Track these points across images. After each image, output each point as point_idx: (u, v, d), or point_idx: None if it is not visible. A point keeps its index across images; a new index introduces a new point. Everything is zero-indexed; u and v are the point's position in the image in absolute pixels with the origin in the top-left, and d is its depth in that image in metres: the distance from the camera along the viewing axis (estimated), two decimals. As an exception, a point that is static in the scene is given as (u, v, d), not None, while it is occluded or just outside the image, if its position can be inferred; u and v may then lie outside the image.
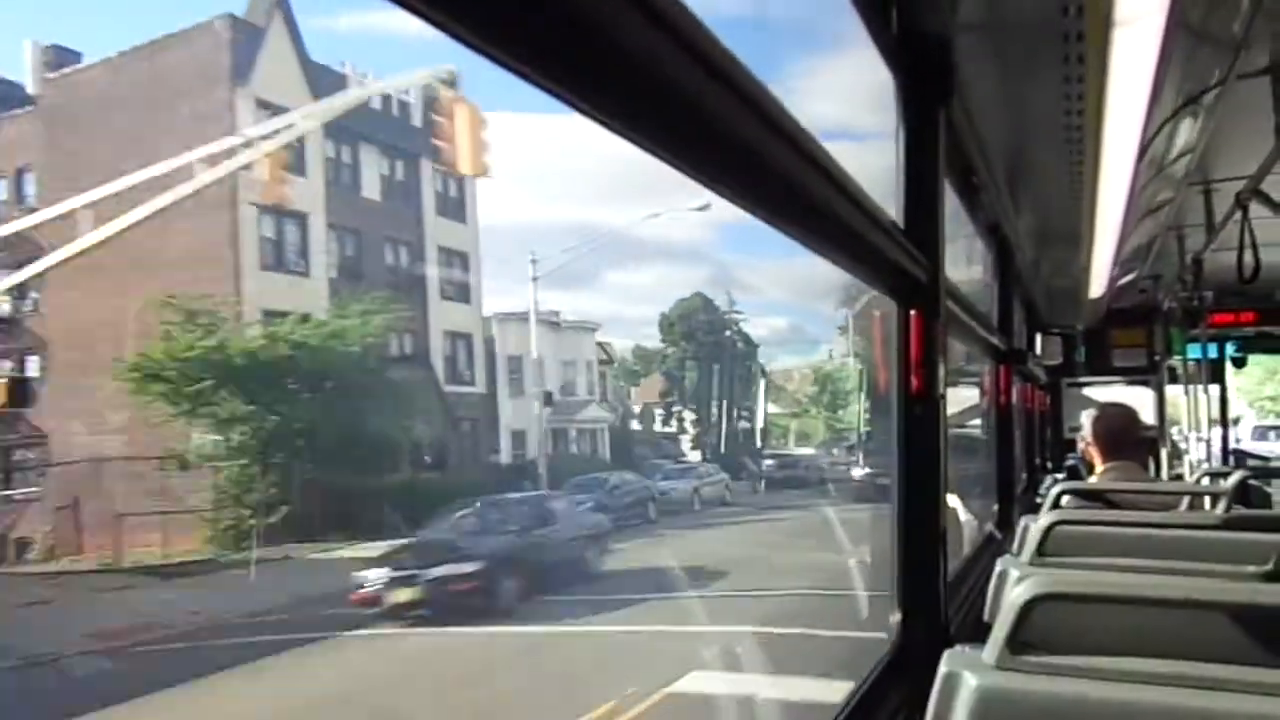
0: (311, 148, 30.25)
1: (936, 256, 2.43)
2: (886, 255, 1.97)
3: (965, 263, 4.87)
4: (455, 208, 38.07)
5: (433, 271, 36.47)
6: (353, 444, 26.85)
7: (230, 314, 26.59)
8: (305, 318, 27.71)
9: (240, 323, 26.92)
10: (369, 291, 29.85)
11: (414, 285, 35.40)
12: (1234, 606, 1.48)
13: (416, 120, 34.64)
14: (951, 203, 3.13)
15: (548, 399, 35.38)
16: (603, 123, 0.96)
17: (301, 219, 31.30)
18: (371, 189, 34.78)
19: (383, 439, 28.21)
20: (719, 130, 1.12)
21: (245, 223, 29.20)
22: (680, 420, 52.31)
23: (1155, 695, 1.31)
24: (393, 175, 35.82)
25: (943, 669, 1.42)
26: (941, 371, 2.50)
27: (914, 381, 2.44)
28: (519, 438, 38.34)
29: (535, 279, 34.40)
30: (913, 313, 2.40)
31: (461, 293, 38.19)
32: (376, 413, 27.80)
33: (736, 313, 52.31)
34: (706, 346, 50.57)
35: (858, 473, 35.69)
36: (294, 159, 29.34)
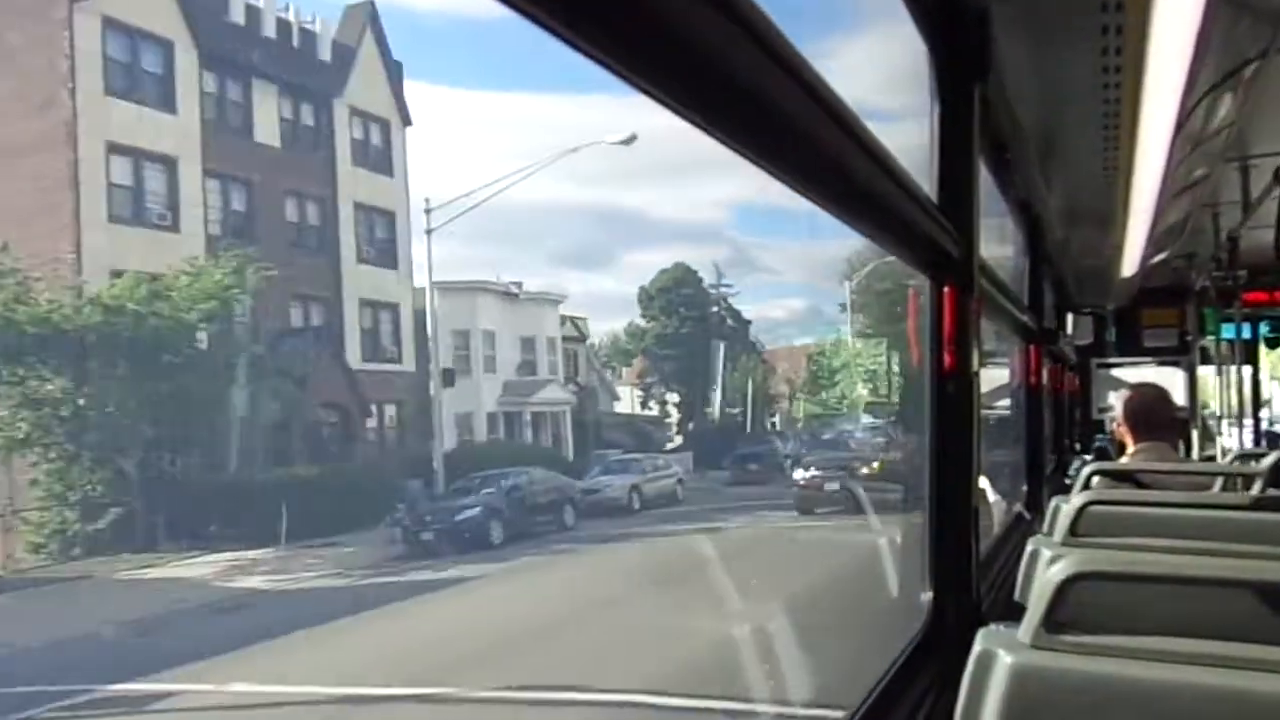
0: (183, 79, 26.09)
1: (971, 232, 2.41)
2: (922, 231, 1.95)
3: (996, 241, 4.83)
4: (379, 158, 32.73)
5: (347, 231, 31.27)
6: (210, 432, 23.45)
7: (55, 273, 21.92)
8: (154, 278, 23.03)
9: (78, 284, 22.42)
10: (254, 251, 25.13)
11: (322, 246, 30.60)
12: (1270, 586, 1.47)
13: (325, 54, 30.67)
14: (983, 180, 3.10)
15: (448, 379, 30.60)
16: (653, 95, 0.95)
17: (169, 164, 26.09)
18: (268, 133, 29.29)
19: (249, 427, 24.25)
20: (764, 105, 1.11)
21: (89, 165, 23.89)
22: (664, 404, 48.83)
23: (1191, 675, 1.30)
24: (297, 118, 30.40)
25: (977, 647, 1.42)
26: (975, 349, 2.48)
27: (947, 358, 2.42)
28: (465, 422, 33.61)
29: (429, 232, 29.41)
30: (946, 289, 2.38)
31: (386, 256, 32.82)
32: (245, 395, 23.98)
33: (725, 286, 49.27)
34: (691, 323, 47.34)
35: (800, 474, 28.99)
36: (159, 92, 25.69)
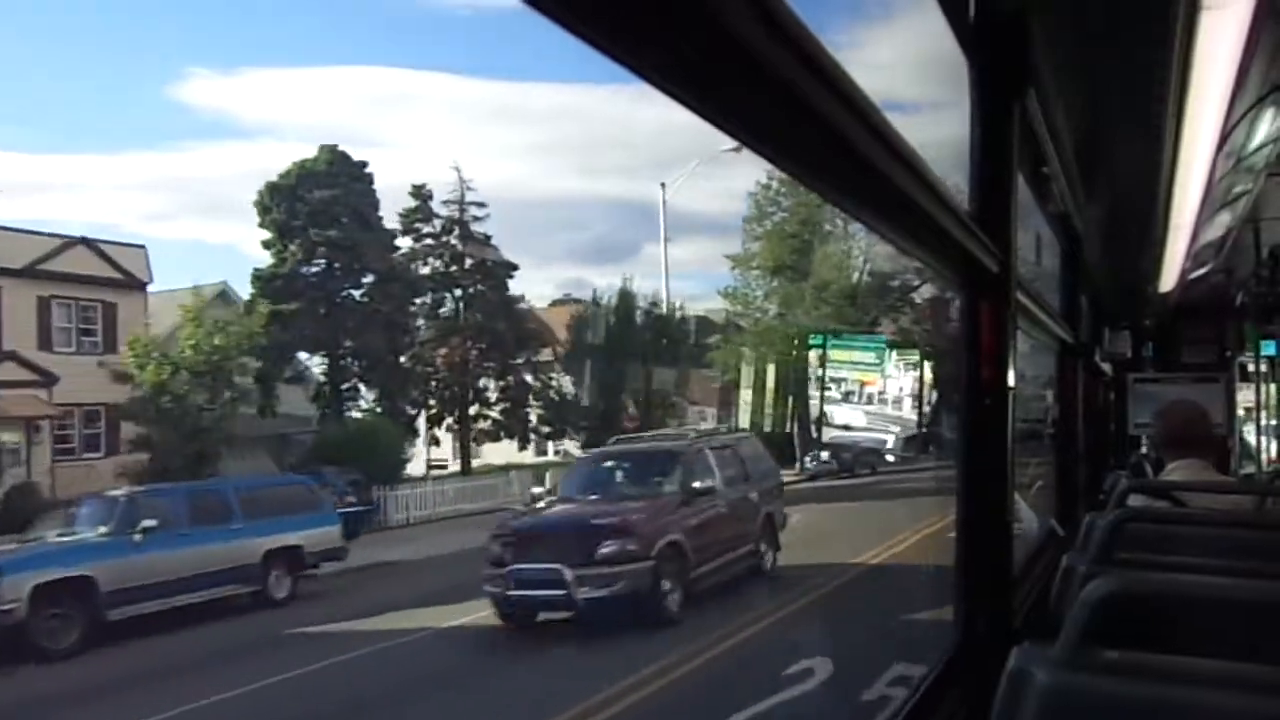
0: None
1: (1008, 247, 2.39)
2: (960, 244, 1.94)
3: (1033, 253, 4.79)
4: None
5: None
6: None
7: None
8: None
9: None
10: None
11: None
12: None
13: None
14: (1021, 193, 3.07)
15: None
16: (686, 103, 0.95)
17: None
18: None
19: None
20: (805, 112, 1.10)
21: None
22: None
23: (1230, 699, 1.28)
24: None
25: (1011, 665, 1.40)
26: (1011, 364, 2.46)
27: (984, 373, 2.40)
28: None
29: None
30: (983, 304, 2.36)
31: None
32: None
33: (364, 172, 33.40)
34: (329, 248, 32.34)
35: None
36: None
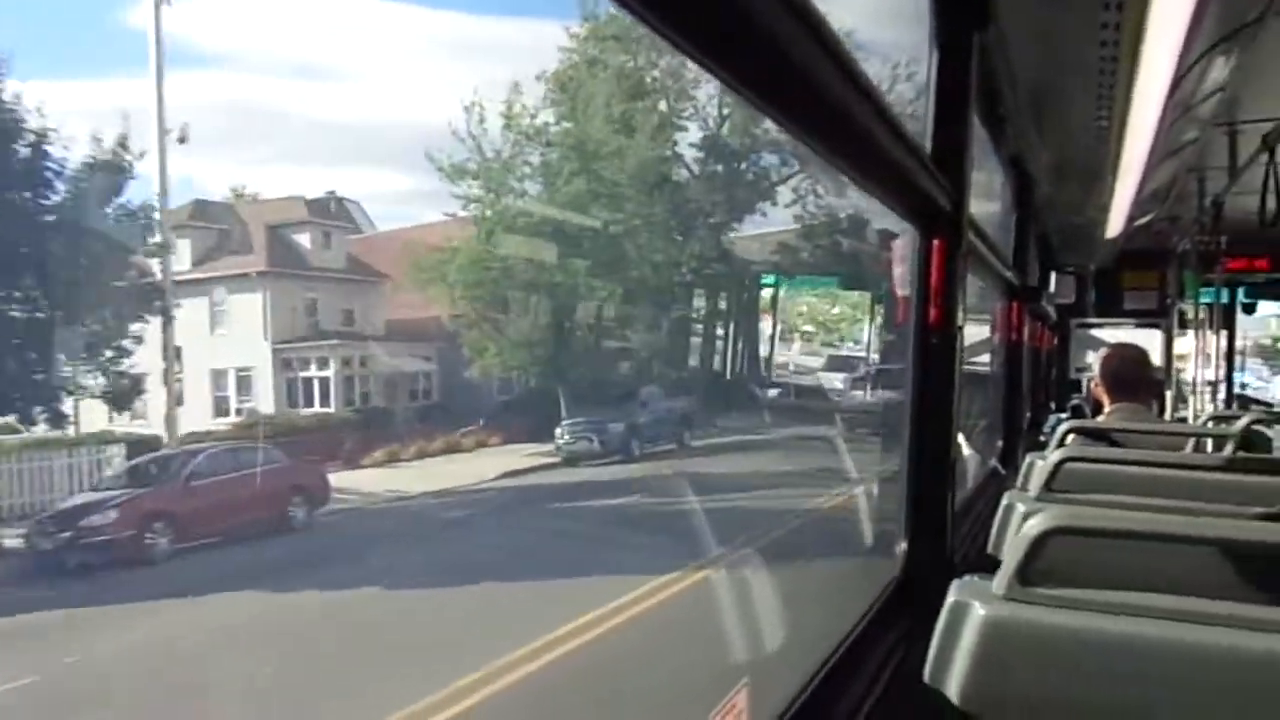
0: None
1: (962, 186, 2.40)
2: (914, 181, 1.94)
3: (985, 195, 4.82)
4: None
5: None
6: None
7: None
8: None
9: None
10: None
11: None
12: (1242, 544, 1.49)
13: None
14: (977, 134, 3.08)
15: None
16: (660, 32, 0.94)
17: None
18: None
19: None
20: (763, 42, 1.09)
21: None
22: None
23: (1160, 629, 1.33)
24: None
25: (951, 598, 1.43)
26: (960, 303, 2.48)
27: (932, 312, 2.42)
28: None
29: None
30: (935, 242, 2.38)
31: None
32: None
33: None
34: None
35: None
36: None
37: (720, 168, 27.38)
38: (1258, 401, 12.18)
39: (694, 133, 26.88)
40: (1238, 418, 3.63)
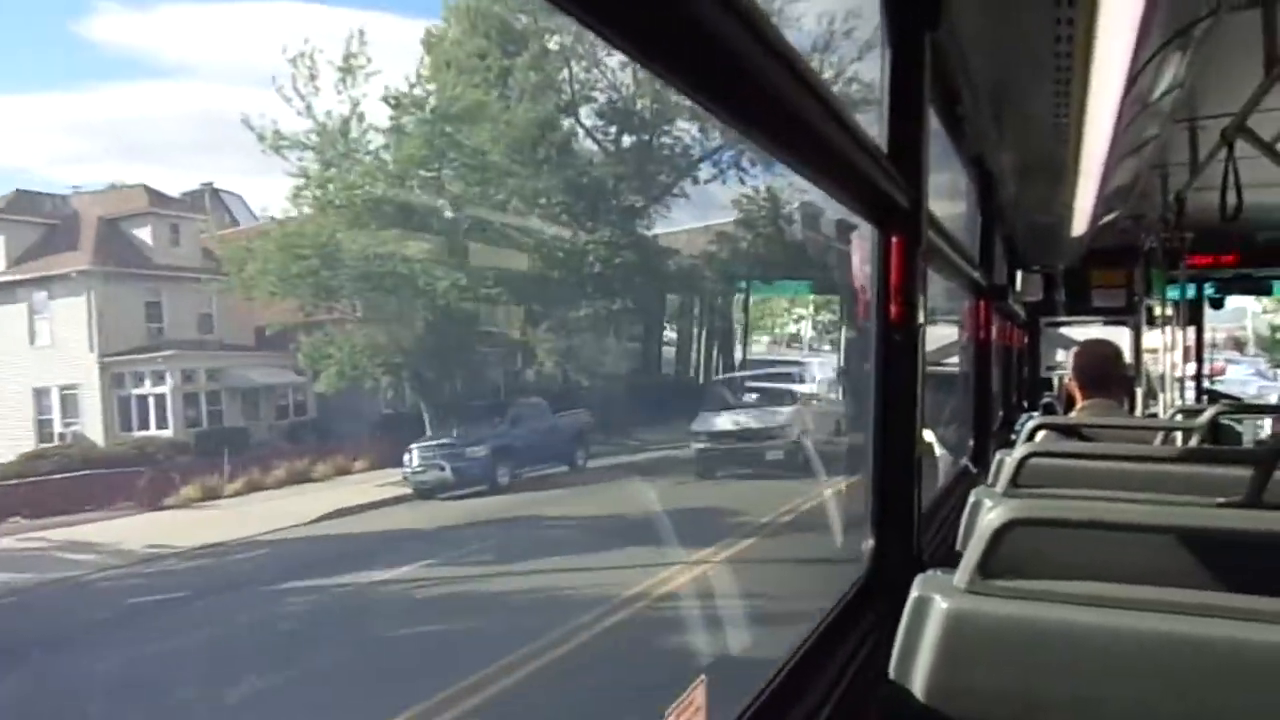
0: None
1: (920, 183, 2.41)
2: (870, 179, 1.95)
3: (948, 196, 4.85)
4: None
5: None
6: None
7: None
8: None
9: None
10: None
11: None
12: (1203, 532, 1.51)
13: None
14: (938, 133, 3.10)
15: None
16: (602, 34, 0.94)
17: None
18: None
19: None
20: (710, 46, 1.09)
21: None
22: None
23: (1122, 619, 1.34)
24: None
25: (914, 592, 1.44)
26: (921, 301, 2.49)
27: (893, 309, 2.43)
28: None
29: None
30: (894, 239, 2.39)
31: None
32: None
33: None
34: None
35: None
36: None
37: (629, 138, 23.04)
38: (1227, 396, 12.30)
39: (600, 97, 22.90)
40: (1205, 411, 3.66)
